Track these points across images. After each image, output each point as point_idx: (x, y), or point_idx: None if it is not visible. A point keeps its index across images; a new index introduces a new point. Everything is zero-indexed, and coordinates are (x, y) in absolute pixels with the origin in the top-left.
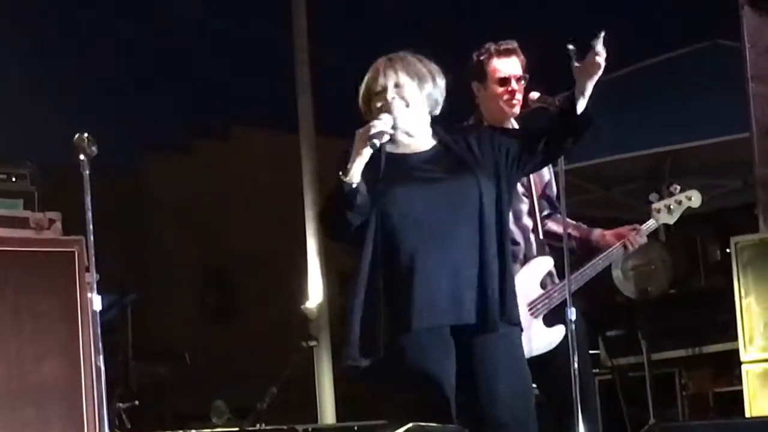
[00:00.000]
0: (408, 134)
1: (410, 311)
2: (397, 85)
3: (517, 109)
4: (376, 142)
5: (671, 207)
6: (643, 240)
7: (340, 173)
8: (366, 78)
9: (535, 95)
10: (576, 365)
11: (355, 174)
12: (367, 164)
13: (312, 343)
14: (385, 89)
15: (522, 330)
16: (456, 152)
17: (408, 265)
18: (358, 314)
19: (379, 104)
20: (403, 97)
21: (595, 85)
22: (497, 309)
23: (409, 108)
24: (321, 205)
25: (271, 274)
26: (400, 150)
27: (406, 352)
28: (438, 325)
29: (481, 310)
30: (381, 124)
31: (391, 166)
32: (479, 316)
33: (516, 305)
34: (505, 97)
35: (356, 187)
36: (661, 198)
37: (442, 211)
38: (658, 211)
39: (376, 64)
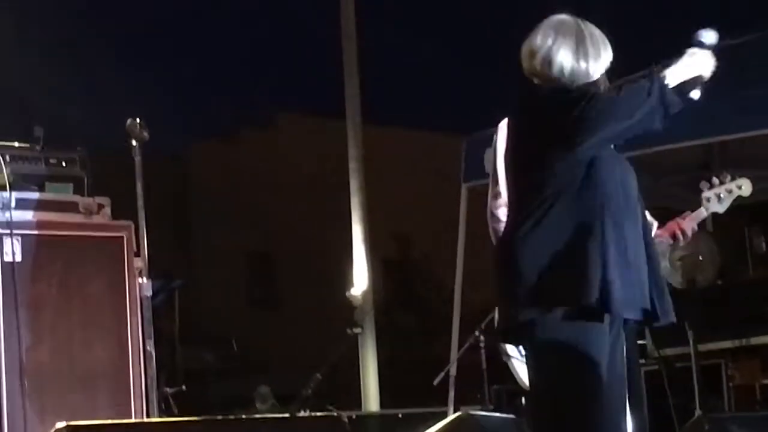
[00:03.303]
0: None
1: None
2: None
3: None
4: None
5: (721, 195)
6: (695, 227)
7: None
8: (605, 56)
9: None
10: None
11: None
12: None
13: (356, 330)
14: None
15: None
16: None
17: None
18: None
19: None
20: None
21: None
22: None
23: None
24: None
25: (316, 261)
26: None
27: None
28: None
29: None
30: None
31: None
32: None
33: None
34: None
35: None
36: (711, 187)
37: (634, 189)
38: (708, 200)
39: (593, 32)
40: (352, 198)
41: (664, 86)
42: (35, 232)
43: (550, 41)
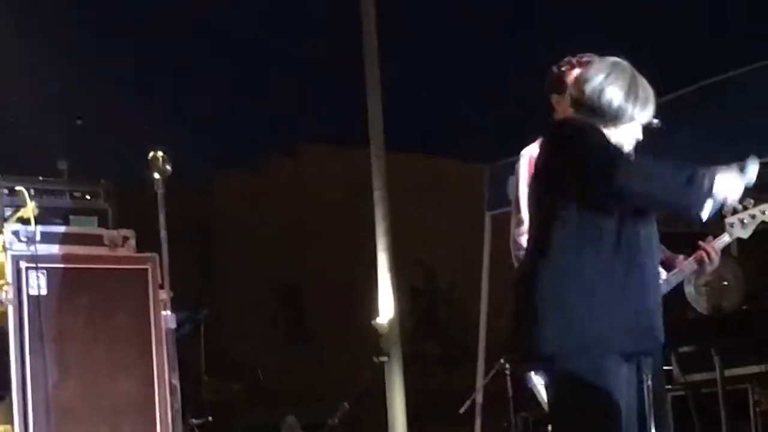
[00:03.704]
0: None
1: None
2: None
3: None
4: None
5: (745, 221)
6: (717, 256)
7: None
8: (638, 91)
9: None
10: (649, 381)
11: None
12: None
13: (383, 359)
14: (644, 124)
15: None
16: None
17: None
18: None
19: (635, 135)
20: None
21: (676, 98)
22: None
23: None
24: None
25: (341, 290)
26: None
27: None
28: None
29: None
30: None
31: None
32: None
33: None
34: None
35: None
36: (735, 212)
37: (653, 225)
38: (732, 225)
39: (649, 91)
40: (376, 226)
41: (709, 182)
42: (60, 265)
43: (604, 75)
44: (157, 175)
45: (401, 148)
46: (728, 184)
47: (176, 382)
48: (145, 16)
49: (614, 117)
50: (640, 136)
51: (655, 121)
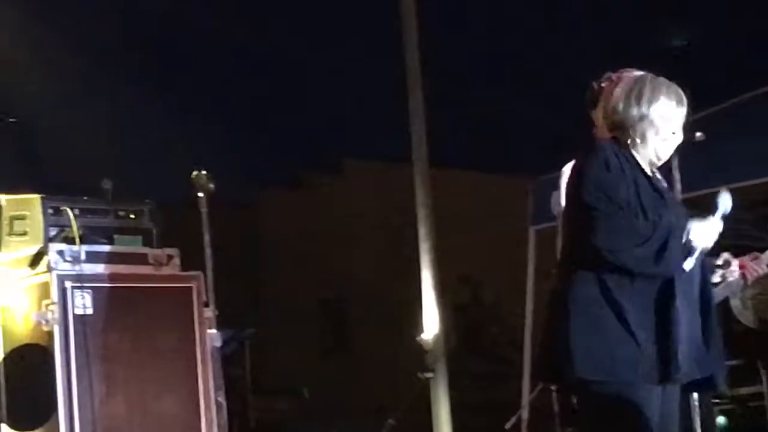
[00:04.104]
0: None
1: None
2: (681, 123)
3: None
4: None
5: None
6: (763, 269)
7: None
8: (653, 91)
9: None
10: (696, 395)
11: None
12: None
13: (428, 375)
14: (677, 122)
15: None
16: (667, 188)
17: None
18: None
19: (665, 136)
20: (679, 138)
21: (717, 112)
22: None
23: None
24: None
25: (386, 307)
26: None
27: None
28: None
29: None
30: None
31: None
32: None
33: None
34: None
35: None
36: None
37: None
38: None
39: (668, 86)
40: (421, 243)
41: (685, 240)
42: (106, 284)
43: (620, 89)
44: (200, 194)
45: (445, 164)
46: (703, 234)
47: (222, 400)
48: (188, 37)
49: (629, 124)
50: (678, 136)
51: (698, 134)
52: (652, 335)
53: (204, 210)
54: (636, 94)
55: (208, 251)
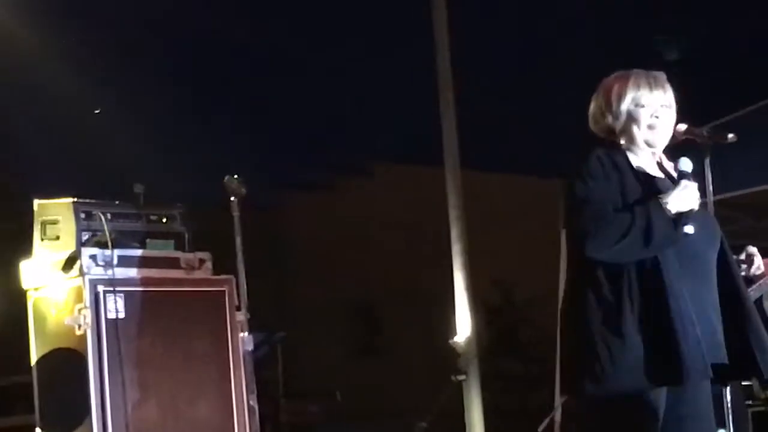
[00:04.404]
0: (653, 154)
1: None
2: (663, 105)
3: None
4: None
5: None
6: None
7: (667, 202)
8: (623, 86)
9: (682, 127)
10: (729, 397)
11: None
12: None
13: (461, 378)
14: (655, 105)
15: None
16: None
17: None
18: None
19: (647, 120)
20: (668, 119)
21: (746, 114)
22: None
23: (666, 130)
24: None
25: (418, 310)
26: (641, 165)
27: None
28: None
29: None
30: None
31: (648, 190)
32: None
33: None
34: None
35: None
36: None
37: (702, 244)
38: None
39: (636, 76)
40: (453, 245)
41: (652, 222)
42: (138, 288)
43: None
44: (232, 198)
45: (476, 167)
46: (682, 199)
47: (254, 404)
48: (220, 43)
49: (610, 130)
50: (666, 118)
51: (731, 135)
52: (652, 338)
53: (236, 214)
54: (604, 100)
55: (239, 255)
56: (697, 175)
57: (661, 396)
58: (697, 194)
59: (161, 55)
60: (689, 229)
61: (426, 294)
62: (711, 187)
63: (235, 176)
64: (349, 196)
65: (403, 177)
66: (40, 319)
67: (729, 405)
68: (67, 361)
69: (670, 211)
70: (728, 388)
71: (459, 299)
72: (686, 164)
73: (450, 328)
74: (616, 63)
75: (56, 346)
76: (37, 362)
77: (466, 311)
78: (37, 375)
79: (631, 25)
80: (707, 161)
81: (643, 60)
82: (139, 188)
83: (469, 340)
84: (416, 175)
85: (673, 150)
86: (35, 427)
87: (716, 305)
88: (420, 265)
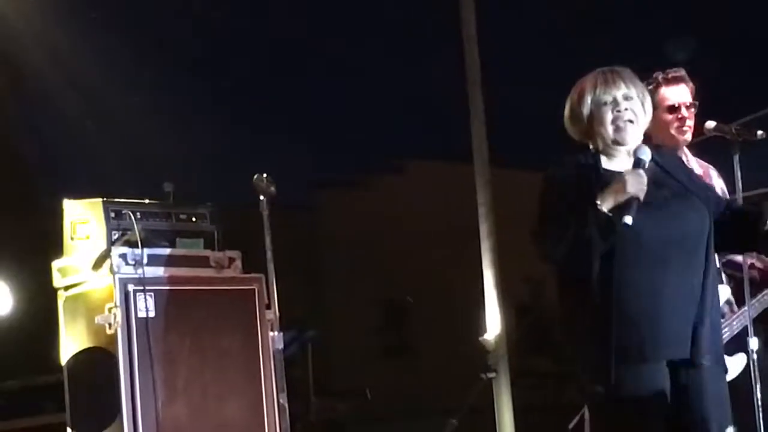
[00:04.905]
0: (628, 153)
1: (641, 342)
2: (626, 98)
3: (688, 136)
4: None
5: None
6: None
7: (598, 201)
8: (582, 88)
9: (711, 124)
10: (759, 395)
11: (609, 205)
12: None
13: (491, 375)
14: (615, 100)
15: (726, 367)
16: (675, 175)
17: (641, 294)
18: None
19: (609, 117)
20: (633, 111)
21: None
22: (708, 344)
23: (635, 124)
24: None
25: (447, 307)
26: (614, 167)
27: (627, 383)
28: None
29: (695, 344)
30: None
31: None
32: (692, 350)
33: (722, 341)
34: (676, 124)
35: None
36: None
37: (674, 237)
38: None
39: (595, 74)
40: (482, 243)
41: (589, 224)
42: (168, 287)
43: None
44: (262, 197)
45: (505, 164)
46: (615, 193)
47: (284, 402)
48: (251, 45)
49: (582, 137)
50: (630, 112)
51: (760, 132)
52: (604, 330)
53: (265, 213)
54: (569, 107)
55: (269, 253)
56: (727, 171)
57: (655, 390)
58: (641, 184)
59: (193, 54)
60: (627, 219)
61: (457, 291)
62: (740, 184)
63: (265, 175)
64: (380, 193)
65: (433, 174)
66: (70, 318)
67: (759, 402)
68: (97, 360)
69: (602, 209)
70: (758, 385)
71: (488, 296)
72: (644, 152)
73: (480, 326)
74: (648, 61)
75: (87, 345)
76: (68, 361)
77: (495, 308)
78: (68, 374)
79: (661, 24)
80: (736, 158)
81: (673, 57)
82: (168, 187)
83: (499, 338)
84: (447, 172)
85: (702, 146)
86: (66, 426)
87: (682, 287)
88: (451, 262)
